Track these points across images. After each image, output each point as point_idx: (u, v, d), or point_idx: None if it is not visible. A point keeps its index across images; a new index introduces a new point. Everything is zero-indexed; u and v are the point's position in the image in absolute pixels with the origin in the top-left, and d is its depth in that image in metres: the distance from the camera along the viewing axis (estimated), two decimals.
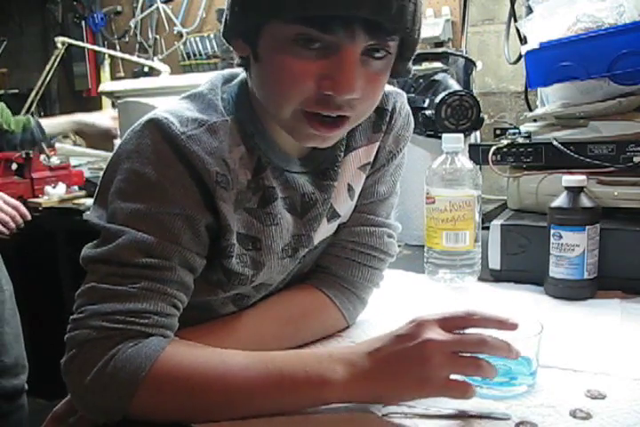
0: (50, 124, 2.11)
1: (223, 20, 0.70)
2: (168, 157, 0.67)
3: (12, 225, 1.68)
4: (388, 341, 0.64)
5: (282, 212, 0.77)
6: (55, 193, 2.32)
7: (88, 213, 0.71)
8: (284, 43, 0.64)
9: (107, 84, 2.49)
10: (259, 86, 0.71)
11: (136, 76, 2.78)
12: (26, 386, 1.87)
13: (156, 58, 2.71)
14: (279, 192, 0.77)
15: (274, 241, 0.77)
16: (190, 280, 0.69)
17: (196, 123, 0.69)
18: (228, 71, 0.80)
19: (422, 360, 0.61)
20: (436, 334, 0.63)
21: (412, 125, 0.91)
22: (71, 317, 0.65)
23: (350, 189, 0.85)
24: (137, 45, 2.83)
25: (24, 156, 2.34)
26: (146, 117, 0.70)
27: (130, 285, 0.64)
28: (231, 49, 0.72)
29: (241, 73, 0.79)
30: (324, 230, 0.84)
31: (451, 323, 0.65)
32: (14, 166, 2.34)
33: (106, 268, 0.65)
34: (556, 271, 0.97)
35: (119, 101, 2.15)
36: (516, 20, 1.39)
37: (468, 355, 0.63)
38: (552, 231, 0.97)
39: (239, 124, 0.73)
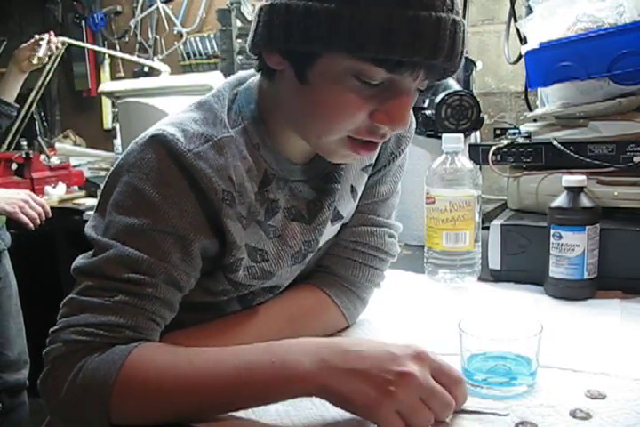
0: None
1: (255, 27, 0.67)
2: (170, 174, 0.67)
3: (38, 222, 1.76)
4: (375, 351, 0.60)
5: (285, 223, 0.77)
6: (55, 193, 2.32)
7: (89, 212, 0.72)
8: (344, 74, 0.64)
9: (107, 84, 2.49)
10: (299, 107, 0.70)
11: (136, 76, 2.78)
12: (27, 382, 1.91)
13: (155, 58, 2.71)
14: (282, 203, 0.77)
15: (280, 252, 0.77)
16: (175, 298, 0.68)
17: (203, 138, 0.69)
18: (234, 77, 0.79)
19: (390, 385, 0.57)
20: (422, 374, 0.58)
21: (414, 126, 0.91)
22: (50, 329, 0.65)
23: (353, 190, 0.85)
24: (137, 45, 2.83)
25: (24, 156, 2.35)
26: (151, 132, 0.69)
27: (106, 298, 0.64)
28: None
29: (248, 78, 0.78)
30: (328, 232, 0.84)
31: (440, 375, 0.60)
32: (14, 166, 2.34)
33: (88, 280, 0.65)
34: (555, 271, 0.97)
35: (119, 101, 2.15)
36: (516, 20, 1.39)
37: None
38: (552, 231, 0.97)
39: (246, 136, 0.73)
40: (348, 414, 0.64)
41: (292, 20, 0.62)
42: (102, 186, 0.72)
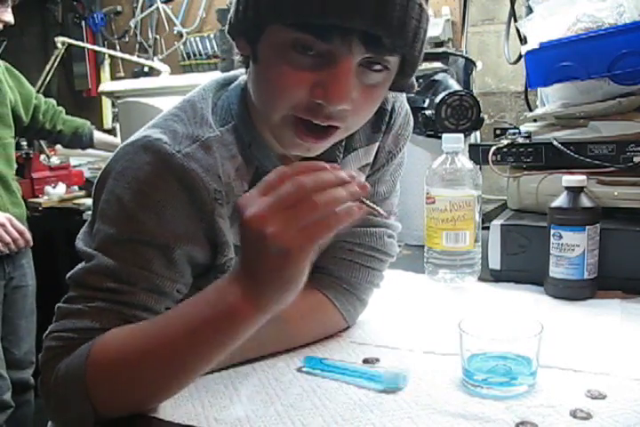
0: (101, 138, 2.19)
1: (229, 16, 0.70)
2: (154, 182, 0.66)
3: (13, 247, 1.73)
4: (253, 245, 0.56)
5: None
6: (55, 193, 2.32)
7: (89, 212, 0.73)
8: (282, 47, 0.64)
9: (107, 84, 2.50)
10: (254, 87, 0.71)
11: (136, 76, 2.78)
12: (32, 380, 1.92)
13: (155, 58, 2.72)
14: None
15: None
16: (158, 304, 0.68)
17: (190, 139, 0.69)
18: (223, 76, 0.79)
19: (261, 242, 0.54)
20: (255, 207, 0.54)
21: (412, 125, 0.91)
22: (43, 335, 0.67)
23: None
24: (137, 45, 2.83)
25: (24, 156, 2.35)
26: (139, 140, 0.68)
27: (84, 304, 0.65)
28: (235, 48, 0.72)
29: (239, 76, 0.78)
30: None
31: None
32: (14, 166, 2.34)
33: (74, 289, 0.67)
34: (556, 271, 0.97)
35: (119, 101, 2.15)
36: (516, 20, 1.39)
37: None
38: (552, 231, 0.97)
39: (236, 134, 0.73)
40: (347, 415, 0.64)
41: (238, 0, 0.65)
42: (93, 190, 0.73)
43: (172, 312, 0.64)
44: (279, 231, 0.54)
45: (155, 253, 0.67)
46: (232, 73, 0.80)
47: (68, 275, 0.69)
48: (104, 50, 2.76)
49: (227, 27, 0.70)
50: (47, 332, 0.66)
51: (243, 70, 0.78)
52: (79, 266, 0.69)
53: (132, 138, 0.70)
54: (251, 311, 0.59)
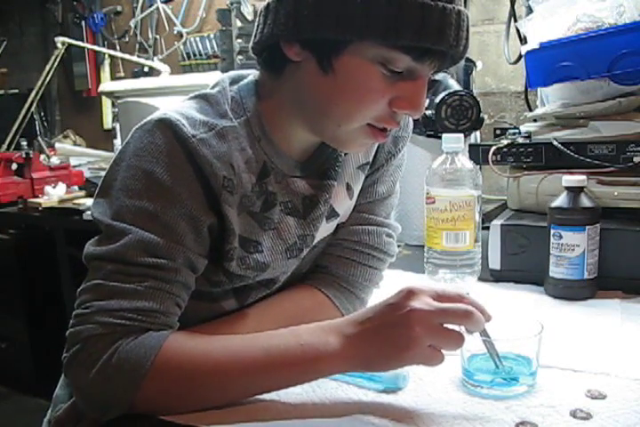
0: None
1: (273, 18, 0.67)
2: (178, 157, 0.68)
3: None
4: (379, 310, 0.65)
5: (281, 216, 0.78)
6: (55, 193, 2.32)
7: (89, 212, 0.71)
8: (370, 62, 0.66)
9: (107, 84, 2.49)
10: (320, 98, 0.71)
11: (136, 76, 2.78)
12: None
13: (155, 58, 2.71)
14: (280, 197, 0.77)
15: (274, 244, 0.78)
16: (192, 280, 0.70)
17: (206, 126, 0.70)
18: (233, 72, 0.81)
19: (406, 328, 0.62)
20: (424, 303, 0.63)
21: (411, 126, 0.91)
22: (75, 312, 0.65)
23: (349, 188, 0.85)
24: (137, 45, 2.83)
25: (24, 156, 2.35)
26: (156, 116, 0.70)
27: (137, 283, 0.65)
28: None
29: (247, 75, 0.79)
30: (323, 230, 0.84)
31: (442, 298, 0.65)
32: (14, 166, 2.34)
33: (112, 266, 0.66)
34: (555, 271, 0.97)
35: (119, 101, 2.15)
36: (516, 20, 1.39)
37: (452, 327, 0.64)
38: (552, 231, 0.97)
39: (247, 128, 0.74)
40: (347, 415, 0.64)
41: (322, 9, 0.64)
42: (105, 172, 0.72)
43: (258, 340, 0.67)
44: (422, 335, 0.62)
45: (187, 226, 0.68)
46: (243, 71, 0.81)
47: (91, 251, 0.67)
48: (104, 50, 2.76)
49: (271, 28, 0.68)
50: (95, 309, 0.63)
51: (248, 71, 0.80)
52: (96, 242, 0.68)
53: (149, 118, 0.70)
54: (339, 365, 0.65)
